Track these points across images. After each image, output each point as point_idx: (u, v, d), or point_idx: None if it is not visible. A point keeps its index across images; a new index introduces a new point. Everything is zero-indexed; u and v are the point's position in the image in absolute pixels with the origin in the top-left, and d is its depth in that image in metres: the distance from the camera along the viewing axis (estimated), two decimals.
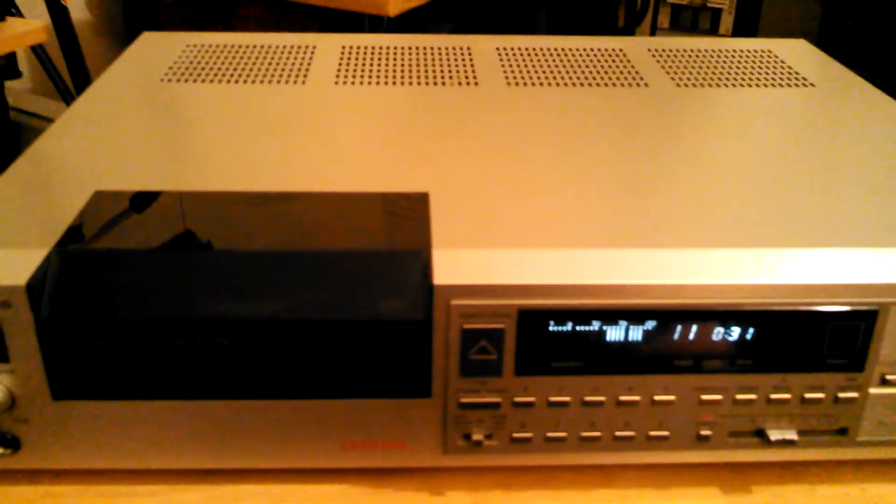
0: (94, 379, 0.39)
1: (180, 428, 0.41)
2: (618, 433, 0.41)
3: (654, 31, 2.18)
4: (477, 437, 0.40)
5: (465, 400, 0.40)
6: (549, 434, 0.41)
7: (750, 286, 0.38)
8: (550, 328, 0.38)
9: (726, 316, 0.39)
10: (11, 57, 1.38)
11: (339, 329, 0.38)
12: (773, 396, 0.40)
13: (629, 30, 1.96)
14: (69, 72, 1.47)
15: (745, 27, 2.13)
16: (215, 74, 0.62)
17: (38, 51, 1.45)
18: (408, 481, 0.42)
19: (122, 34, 1.92)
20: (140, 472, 0.42)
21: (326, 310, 0.38)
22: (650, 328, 0.39)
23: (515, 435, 0.41)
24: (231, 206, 0.44)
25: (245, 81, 0.61)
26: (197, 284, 0.39)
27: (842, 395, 0.41)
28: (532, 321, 0.38)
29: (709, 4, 2.13)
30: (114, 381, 0.39)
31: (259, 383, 0.40)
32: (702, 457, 0.42)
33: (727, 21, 2.13)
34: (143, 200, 0.44)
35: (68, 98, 1.45)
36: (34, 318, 0.38)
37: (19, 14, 1.39)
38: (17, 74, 1.47)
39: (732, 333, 0.39)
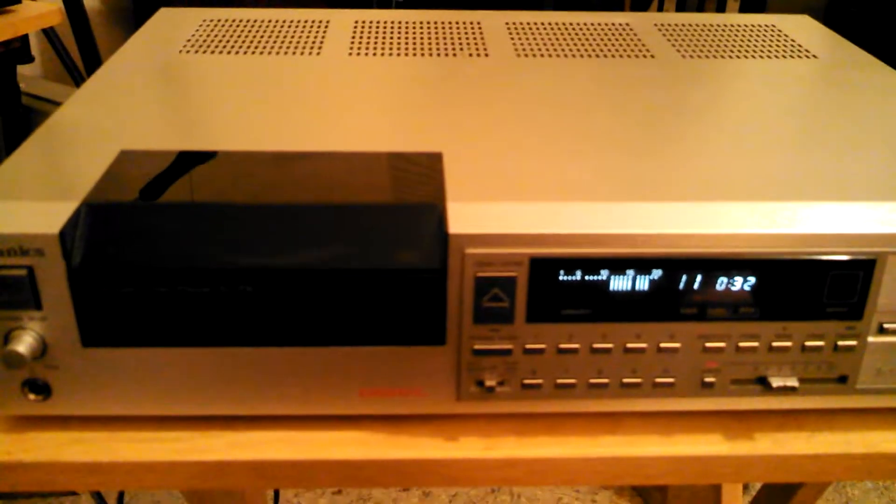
0: (123, 327, 0.41)
1: (204, 375, 0.42)
2: (625, 380, 0.43)
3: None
4: (489, 383, 0.42)
5: (478, 347, 0.41)
6: (559, 381, 0.42)
7: (752, 235, 0.40)
8: (560, 277, 0.40)
9: (729, 265, 0.40)
10: (24, 41, 1.40)
11: (357, 277, 0.40)
12: (775, 344, 0.42)
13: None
14: (81, 56, 1.49)
15: (753, 6, 2.14)
16: (232, 46, 0.64)
17: (50, 35, 1.47)
18: (423, 427, 0.44)
19: (132, 22, 1.94)
20: (165, 419, 0.44)
21: (345, 259, 0.40)
22: (656, 277, 0.40)
23: (526, 381, 0.42)
24: (253, 164, 0.45)
25: (262, 53, 0.63)
26: (221, 235, 0.40)
27: (841, 343, 0.42)
28: (543, 270, 0.40)
29: None
30: (141, 329, 0.41)
31: (281, 331, 0.41)
32: (705, 404, 0.44)
33: (734, 6, 2.14)
34: (164, 161, 0.45)
35: (80, 82, 1.47)
36: (66, 266, 0.40)
37: None
38: (29, 59, 1.49)
39: (735, 282, 0.41)
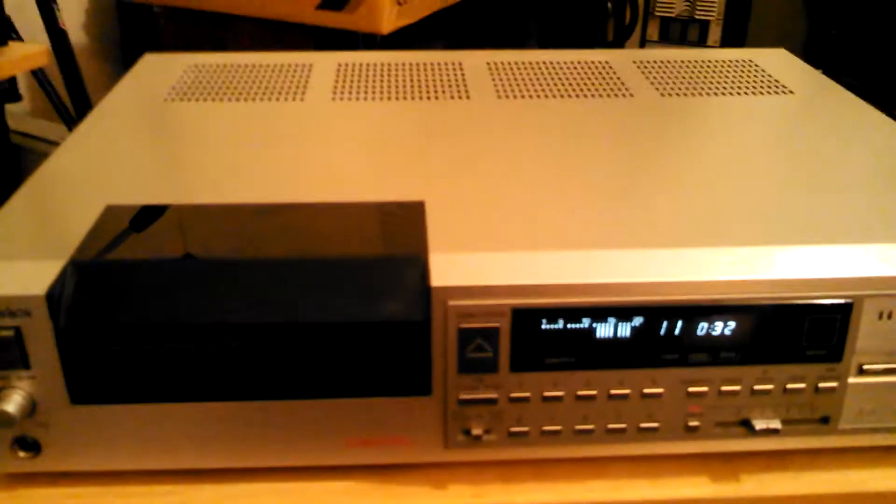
0: (111, 384, 0.41)
1: (193, 429, 0.43)
2: (610, 425, 0.43)
3: (643, 44, 2.21)
4: (476, 431, 0.42)
5: (463, 396, 0.42)
6: (545, 427, 0.43)
7: (730, 282, 0.41)
8: (543, 326, 0.41)
9: (709, 311, 0.41)
10: (12, 81, 1.40)
11: (342, 331, 0.41)
12: (757, 387, 0.43)
13: (619, 42, 1.99)
14: (69, 94, 1.49)
15: (733, 38, 2.16)
16: (217, 93, 0.65)
17: (38, 74, 1.47)
18: (411, 476, 0.44)
19: (119, 57, 1.95)
20: (156, 473, 0.44)
21: (330, 313, 0.41)
22: (637, 324, 0.41)
23: (513, 429, 0.43)
24: (236, 217, 0.46)
25: (246, 100, 0.63)
26: (206, 291, 0.41)
27: (822, 384, 0.43)
28: (525, 320, 0.40)
29: (697, 17, 2.16)
30: (129, 386, 0.41)
31: (267, 384, 0.42)
32: (691, 447, 0.44)
33: (715, 32, 2.16)
34: (148, 216, 0.46)
35: (68, 120, 1.48)
36: (53, 326, 0.40)
37: (19, 38, 1.41)
38: (17, 98, 1.49)
39: (715, 328, 0.41)
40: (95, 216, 0.46)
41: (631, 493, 0.44)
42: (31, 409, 0.41)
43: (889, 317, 0.42)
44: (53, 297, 0.40)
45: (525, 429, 0.43)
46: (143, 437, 0.43)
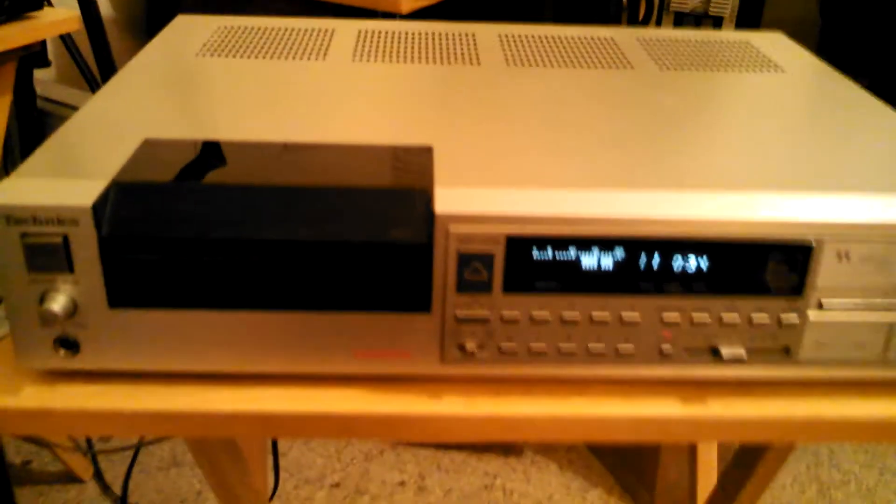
0: (145, 290, 0.46)
1: (216, 336, 0.47)
2: (590, 345, 0.48)
3: None
4: (470, 347, 0.47)
5: (460, 314, 0.47)
6: (532, 346, 0.48)
7: (704, 220, 0.45)
8: (533, 253, 0.45)
9: (684, 246, 0.46)
10: (42, 45, 1.46)
11: (354, 250, 0.45)
12: (724, 317, 0.47)
13: None
14: (96, 62, 1.54)
15: (747, 25, 2.20)
16: (245, 51, 0.69)
17: (66, 41, 1.53)
18: (410, 387, 0.49)
19: (144, 31, 2.00)
20: (180, 375, 0.49)
21: (345, 234, 0.45)
22: (618, 255, 0.46)
23: (503, 346, 0.48)
24: (263, 152, 0.51)
25: (272, 57, 0.68)
26: (233, 212, 0.46)
27: (784, 317, 0.47)
28: (518, 247, 0.45)
29: (710, 13, 2.20)
30: (161, 293, 0.46)
31: (285, 297, 0.47)
32: (663, 371, 0.49)
33: (729, 28, 2.20)
34: (184, 149, 0.51)
35: (95, 87, 1.53)
36: (97, 235, 0.45)
37: (50, 5, 1.47)
38: (46, 63, 1.55)
39: (689, 261, 0.46)
40: (134, 147, 0.51)
41: (608, 410, 0.49)
42: (72, 310, 0.46)
43: (847, 258, 0.46)
44: (98, 209, 0.45)
45: (514, 347, 0.47)
46: (170, 341, 0.48)
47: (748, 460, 0.66)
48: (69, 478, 1.37)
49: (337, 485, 1.39)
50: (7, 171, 1.41)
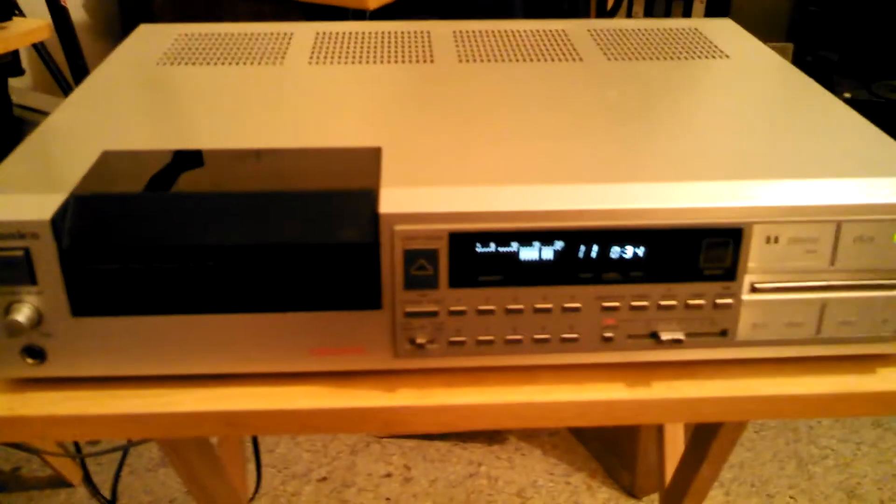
0: (106, 298, 0.48)
1: (177, 339, 0.49)
2: (536, 336, 0.50)
3: None
4: (421, 341, 0.49)
5: (409, 310, 0.49)
6: (480, 338, 0.50)
7: (638, 210, 0.47)
8: (476, 248, 0.47)
9: (620, 236, 0.48)
10: (15, 55, 1.47)
11: (304, 252, 0.47)
12: (662, 303, 0.49)
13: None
14: (69, 68, 1.56)
15: (716, 15, 2.22)
16: (204, 58, 0.71)
17: (39, 49, 1.54)
18: (365, 381, 0.51)
19: (118, 34, 2.01)
20: (144, 378, 0.51)
21: (293, 236, 0.47)
22: (558, 247, 0.48)
23: (452, 339, 0.50)
24: (216, 159, 0.53)
25: (231, 63, 0.70)
26: (187, 219, 0.48)
27: (719, 301, 0.50)
28: (460, 242, 0.47)
29: None
30: (122, 300, 0.48)
31: (240, 300, 0.48)
32: (607, 357, 0.51)
33: (699, 10, 2.22)
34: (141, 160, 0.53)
35: (68, 93, 1.54)
36: (57, 247, 0.47)
37: (22, 14, 1.48)
38: (20, 72, 1.56)
39: (626, 250, 0.48)
40: (93, 159, 0.52)
41: (557, 396, 0.51)
42: (37, 320, 0.48)
43: (776, 241, 0.48)
44: (57, 222, 0.47)
45: (463, 339, 0.50)
46: (133, 346, 0.49)
47: (704, 439, 0.69)
48: (59, 482, 1.39)
49: (324, 479, 1.41)
50: None
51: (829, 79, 1.92)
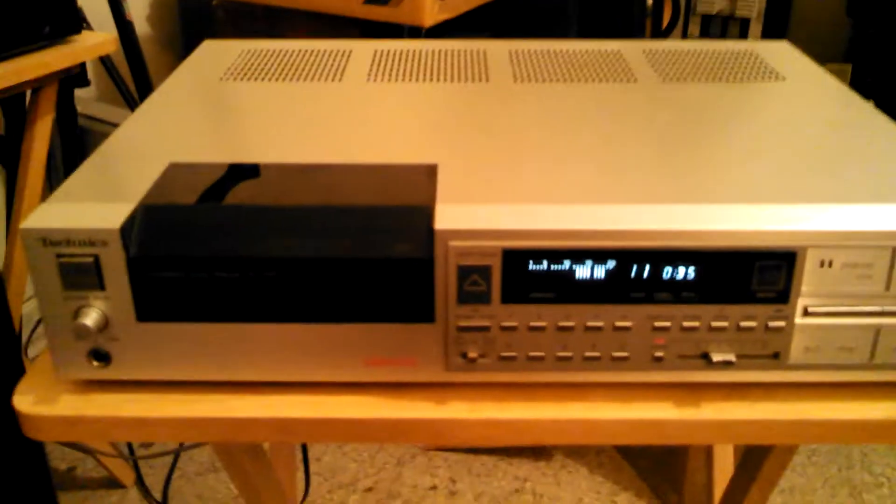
0: (171, 305, 0.50)
1: (237, 347, 0.51)
2: (586, 354, 0.50)
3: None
4: (472, 355, 0.50)
5: (461, 324, 0.50)
6: (531, 353, 0.50)
7: (690, 231, 0.48)
8: (529, 265, 0.48)
9: (672, 256, 0.48)
10: (82, 67, 1.51)
11: (362, 266, 0.49)
12: (714, 324, 0.50)
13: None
14: (133, 80, 1.60)
15: (774, 35, 2.20)
16: (266, 74, 0.73)
17: (105, 62, 1.59)
18: (417, 393, 0.52)
19: (180, 46, 2.06)
20: (204, 384, 0.52)
21: (353, 250, 0.49)
22: (610, 266, 0.48)
23: (503, 354, 0.50)
24: (279, 174, 0.54)
25: (291, 80, 0.72)
26: (250, 231, 0.49)
27: (771, 323, 0.49)
28: (513, 259, 0.48)
29: (737, 14, 2.20)
30: (186, 307, 0.50)
31: (299, 310, 0.50)
32: (657, 377, 0.51)
33: (756, 29, 2.20)
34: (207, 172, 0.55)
35: (132, 104, 1.59)
36: (125, 255, 0.49)
37: (90, 29, 1.53)
38: (86, 83, 1.61)
39: (678, 271, 0.48)
40: (160, 171, 0.54)
41: (606, 414, 0.51)
42: (104, 324, 0.50)
43: (830, 265, 0.48)
44: (125, 231, 0.48)
45: (514, 354, 0.50)
46: (194, 352, 0.51)
47: (754, 461, 0.68)
48: (112, 483, 1.43)
49: (370, 489, 1.42)
50: (52, 186, 1.47)
51: (890, 99, 1.89)
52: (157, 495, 1.40)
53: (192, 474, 1.45)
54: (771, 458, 0.66)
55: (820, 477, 1.44)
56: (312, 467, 1.46)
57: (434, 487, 1.43)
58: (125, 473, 1.42)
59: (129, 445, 1.42)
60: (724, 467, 0.85)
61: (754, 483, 0.69)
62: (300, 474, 1.38)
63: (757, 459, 0.68)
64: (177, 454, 1.45)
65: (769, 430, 0.51)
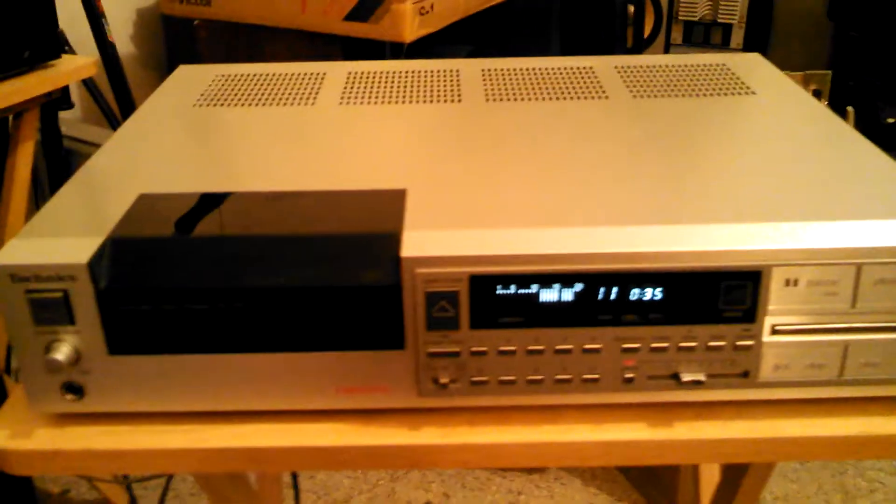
0: (141, 338, 0.50)
1: (208, 377, 0.51)
2: (557, 376, 0.51)
3: (667, 48, 2.27)
4: (444, 380, 0.50)
5: (431, 350, 0.50)
6: (502, 378, 0.51)
7: (656, 253, 0.48)
8: (497, 290, 0.48)
9: (639, 278, 0.48)
10: (65, 89, 1.52)
11: (330, 294, 0.49)
12: (683, 344, 0.50)
13: (638, 49, 2.05)
14: (116, 102, 1.60)
15: (756, 40, 2.21)
16: (238, 100, 0.73)
17: (88, 83, 1.59)
18: (390, 419, 0.52)
19: (164, 66, 2.07)
20: (177, 414, 0.52)
21: (320, 279, 0.49)
22: (578, 289, 0.48)
23: (474, 379, 0.51)
24: (249, 202, 0.54)
25: (264, 104, 0.72)
26: (217, 261, 0.49)
27: (739, 343, 0.50)
28: (481, 285, 0.48)
29: (719, 20, 2.21)
30: (156, 339, 0.50)
31: (268, 340, 0.50)
32: (628, 397, 0.51)
33: (738, 35, 2.21)
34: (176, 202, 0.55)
35: (115, 125, 1.59)
36: (94, 289, 0.49)
37: (72, 51, 1.53)
38: (69, 105, 1.61)
39: (645, 292, 0.49)
40: (130, 202, 0.55)
41: (579, 436, 0.51)
42: (76, 358, 0.50)
43: (795, 283, 0.48)
44: (94, 265, 0.49)
45: (485, 378, 0.50)
46: (167, 383, 0.51)
47: (734, 477, 0.68)
48: None
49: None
50: (38, 207, 1.47)
51: (871, 104, 1.90)
52: None
53: (185, 495, 1.45)
54: (750, 474, 0.67)
55: (813, 483, 1.44)
56: (306, 485, 1.45)
57: (428, 502, 1.43)
58: (119, 495, 1.41)
59: None
60: (710, 480, 0.85)
61: (737, 496, 0.69)
62: (291, 491, 1.38)
63: (737, 475, 0.68)
64: (169, 477, 1.45)
65: (742, 448, 0.51)
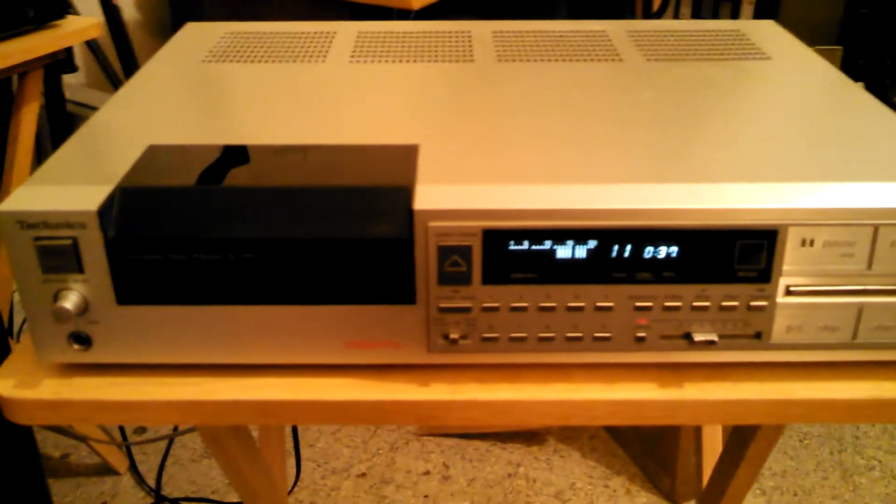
0: (150, 288, 0.50)
1: (217, 329, 0.51)
2: (569, 334, 0.50)
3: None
4: (454, 336, 0.50)
5: (442, 305, 0.49)
6: (513, 334, 0.50)
7: (671, 210, 0.47)
8: (509, 246, 0.48)
9: (653, 235, 0.48)
10: (68, 53, 1.51)
11: (341, 246, 0.48)
12: (696, 304, 0.49)
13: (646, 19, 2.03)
14: (120, 65, 1.59)
15: (766, 16, 2.19)
16: (248, 56, 0.73)
17: (92, 46, 1.58)
18: (399, 375, 0.52)
19: (168, 30, 2.05)
20: (185, 366, 0.52)
21: (332, 231, 0.48)
22: (591, 246, 0.48)
23: (485, 335, 0.50)
24: (258, 155, 0.54)
25: (274, 61, 0.71)
26: (229, 212, 0.49)
27: (753, 303, 0.49)
28: (494, 240, 0.48)
29: None
30: (165, 290, 0.50)
31: (278, 292, 0.50)
32: (639, 357, 0.51)
33: (747, 10, 2.19)
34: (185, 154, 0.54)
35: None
36: (103, 237, 0.48)
37: (76, 13, 1.52)
38: (73, 69, 1.60)
39: (659, 250, 0.48)
40: (139, 153, 0.54)
41: (589, 395, 0.51)
42: (84, 307, 0.50)
43: (811, 244, 0.48)
44: (103, 213, 0.48)
45: (496, 335, 0.50)
46: (175, 334, 0.51)
47: (741, 441, 0.68)
48: (105, 470, 1.43)
49: (363, 474, 1.43)
50: None
51: (881, 82, 1.89)
52: (151, 482, 1.40)
53: (185, 460, 1.45)
54: (757, 439, 0.66)
55: (812, 460, 1.44)
56: (306, 453, 1.46)
57: (427, 473, 1.44)
58: (118, 460, 1.42)
59: (123, 432, 1.42)
60: (712, 451, 0.85)
61: (742, 463, 0.69)
62: (292, 460, 1.38)
63: (742, 440, 0.68)
64: (170, 440, 1.45)
65: (752, 409, 0.51)
